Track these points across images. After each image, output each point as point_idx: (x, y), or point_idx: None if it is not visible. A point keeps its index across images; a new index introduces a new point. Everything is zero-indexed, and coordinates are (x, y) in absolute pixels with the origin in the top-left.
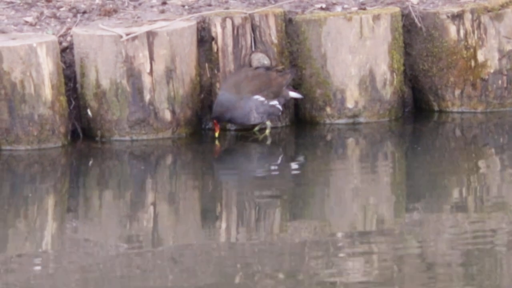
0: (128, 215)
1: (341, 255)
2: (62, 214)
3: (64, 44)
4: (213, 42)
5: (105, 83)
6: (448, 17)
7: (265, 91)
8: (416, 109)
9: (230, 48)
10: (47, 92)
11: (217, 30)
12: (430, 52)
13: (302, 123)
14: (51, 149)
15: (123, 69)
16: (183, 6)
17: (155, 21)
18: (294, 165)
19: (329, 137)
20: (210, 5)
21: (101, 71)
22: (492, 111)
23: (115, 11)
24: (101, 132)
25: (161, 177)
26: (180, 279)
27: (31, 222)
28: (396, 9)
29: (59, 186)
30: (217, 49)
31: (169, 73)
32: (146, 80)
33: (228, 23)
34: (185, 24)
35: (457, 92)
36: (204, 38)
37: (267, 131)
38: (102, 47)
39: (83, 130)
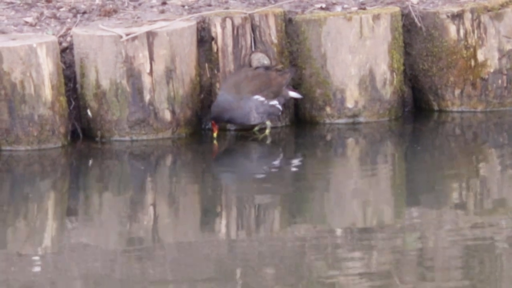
0: (128, 215)
1: (340, 253)
2: (62, 214)
3: (64, 44)
4: (213, 42)
5: (105, 84)
6: (448, 16)
7: (265, 91)
8: (416, 108)
9: (230, 48)
10: (47, 93)
11: (217, 30)
12: (430, 51)
13: (302, 123)
14: (51, 149)
15: (123, 69)
16: (183, 6)
17: (155, 21)
18: (294, 165)
19: (329, 137)
20: (210, 5)
21: (101, 71)
22: (492, 111)
23: (115, 11)
24: (101, 133)
25: (161, 177)
26: (180, 279)
27: (31, 222)
28: (396, 9)
29: (59, 187)
30: (217, 49)
31: (169, 73)
32: (146, 80)
33: (228, 23)
34: (185, 24)
35: (457, 91)
36: (204, 38)
37: (267, 131)
38: (102, 47)
39: (83, 131)
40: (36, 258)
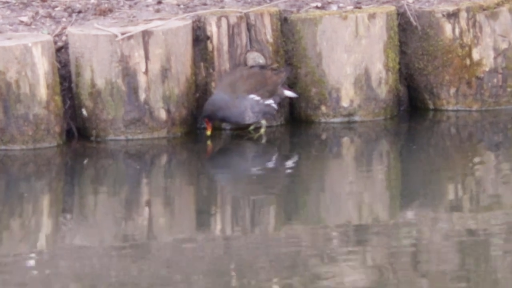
0: (123, 214)
1: (335, 253)
2: (57, 214)
3: (59, 43)
4: (209, 41)
5: (100, 83)
6: (443, 15)
7: (261, 90)
8: (411, 107)
9: (225, 47)
10: (42, 92)
11: (212, 29)
12: (426, 50)
13: (297, 122)
14: (46, 148)
15: (118, 69)
16: (179, 5)
17: (150, 20)
18: (289, 164)
19: (324, 136)
20: (205, 4)
21: (96, 70)
22: (487, 110)
23: (110, 10)
24: (96, 132)
25: (156, 177)
26: (175, 278)
27: (26, 222)
28: (392, 8)
29: (54, 186)
30: (213, 48)
31: (165, 72)
32: (142, 79)
33: (224, 22)
34: (181, 23)
35: (452, 90)
36: (199, 37)
37: (262, 130)
38: (97, 46)
39: (78, 130)
40: (31, 257)
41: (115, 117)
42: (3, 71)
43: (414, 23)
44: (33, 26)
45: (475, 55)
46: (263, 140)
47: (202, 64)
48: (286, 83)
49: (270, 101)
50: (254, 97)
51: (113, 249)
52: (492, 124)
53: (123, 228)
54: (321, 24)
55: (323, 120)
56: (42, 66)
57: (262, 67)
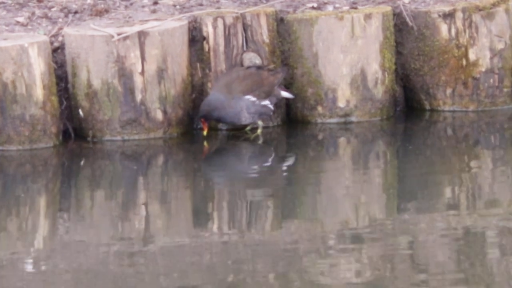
0: (119, 215)
1: (332, 254)
2: (54, 214)
3: (56, 44)
4: (205, 42)
5: (96, 83)
6: (439, 16)
7: (257, 91)
8: (407, 108)
9: (221, 48)
10: (39, 92)
11: (208, 29)
12: (422, 51)
13: (294, 123)
14: (43, 149)
15: (114, 69)
16: (175, 6)
17: (146, 21)
18: (285, 165)
19: (320, 137)
20: (201, 4)
21: (93, 71)
22: (483, 110)
23: (107, 11)
24: (92, 132)
25: (153, 177)
26: (172, 278)
27: (23, 222)
28: (388, 8)
29: (50, 186)
30: (209, 49)
31: (161, 73)
32: (138, 80)
33: (220, 22)
34: (177, 24)
35: (449, 91)
36: (195, 38)
37: (259, 131)
38: (94, 47)
39: (74, 130)
40: (28, 257)
41: (112, 117)
42: None
43: (410, 24)
44: (29, 27)
45: (471, 56)
46: (260, 141)
47: (198, 64)
48: (283, 84)
49: (267, 102)
50: (250, 97)
51: (110, 249)
52: (488, 125)
53: (120, 228)
54: (317, 24)
55: (319, 120)
56: (39, 67)
57: (258, 67)
